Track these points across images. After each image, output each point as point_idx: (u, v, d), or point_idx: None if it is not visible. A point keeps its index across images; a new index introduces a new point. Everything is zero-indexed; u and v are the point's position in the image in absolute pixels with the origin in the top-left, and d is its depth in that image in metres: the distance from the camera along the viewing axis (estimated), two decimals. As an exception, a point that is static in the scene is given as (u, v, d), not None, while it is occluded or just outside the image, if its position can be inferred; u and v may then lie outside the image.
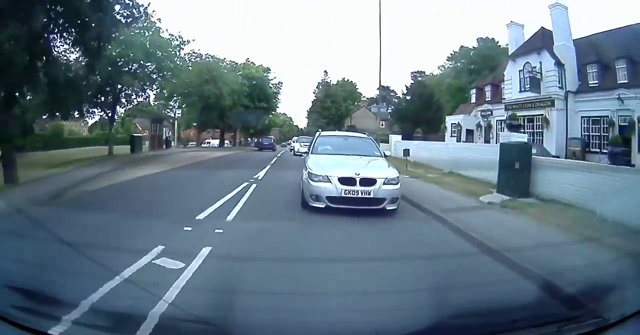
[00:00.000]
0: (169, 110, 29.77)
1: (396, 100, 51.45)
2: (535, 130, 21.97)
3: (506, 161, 7.58)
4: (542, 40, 23.03)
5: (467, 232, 5.01)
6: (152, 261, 3.69)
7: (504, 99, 23.96)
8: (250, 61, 38.84)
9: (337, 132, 12.33)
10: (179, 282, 3.21)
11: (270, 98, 37.79)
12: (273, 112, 45.06)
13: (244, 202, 7.17)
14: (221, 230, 4.98)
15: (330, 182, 6.28)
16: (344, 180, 6.26)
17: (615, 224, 5.46)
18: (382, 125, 44.97)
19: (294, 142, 32.10)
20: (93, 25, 7.90)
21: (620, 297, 2.44)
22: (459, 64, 40.17)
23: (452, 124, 28.59)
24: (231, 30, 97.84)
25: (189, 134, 55.89)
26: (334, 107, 54.88)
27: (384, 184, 6.31)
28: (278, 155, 25.33)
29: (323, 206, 6.25)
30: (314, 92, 60.56)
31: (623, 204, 5.72)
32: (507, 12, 68.46)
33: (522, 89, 22.56)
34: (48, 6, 7.27)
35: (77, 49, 8.53)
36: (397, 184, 6.50)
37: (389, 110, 51.33)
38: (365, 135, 9.24)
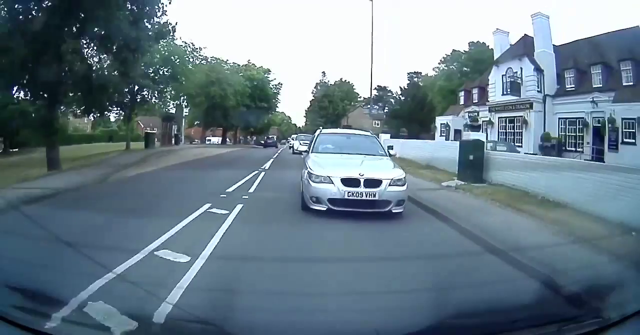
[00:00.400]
0: (174, 109, 31.78)
1: (393, 101, 53.42)
2: (515, 131, 24.02)
3: (464, 155, 9.60)
4: (524, 47, 25.06)
5: (420, 201, 7.02)
6: (207, 210, 5.79)
7: (489, 101, 26.01)
8: (251, 63, 41.02)
9: (339, 130, 11.77)
10: (227, 220, 5.33)
11: (270, 98, 39.97)
12: (273, 112, 47.14)
13: (258, 182, 9.26)
14: (247, 197, 7.09)
15: (332, 183, 5.98)
16: (347, 182, 5.97)
17: (537, 197, 7.47)
18: (377, 124, 47.06)
19: (293, 140, 31.68)
20: (131, 42, 9.90)
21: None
22: (453, 66, 42.15)
23: (441, 124, 30.52)
24: (232, 32, 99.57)
25: (190, 132, 57.76)
26: (332, 106, 56.67)
27: (389, 185, 6.04)
28: (279, 151, 27.82)
29: (324, 209, 5.96)
30: (312, 92, 62.39)
31: (547, 184, 7.74)
32: (502, 16, 70.44)
33: (504, 93, 24.58)
34: (98, 29, 9.26)
35: (115, 59, 10.42)
36: (403, 185, 6.22)
37: (385, 110, 53.41)
38: (368, 133, 9.02)
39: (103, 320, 2.32)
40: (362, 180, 5.95)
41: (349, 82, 62.16)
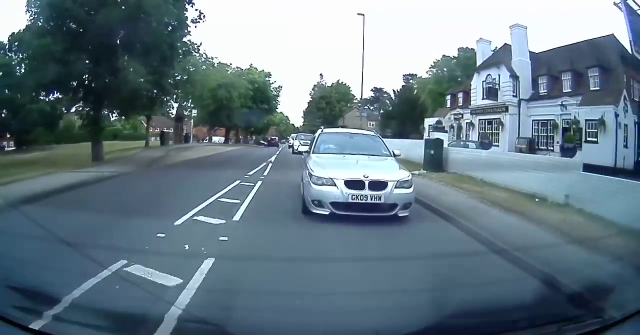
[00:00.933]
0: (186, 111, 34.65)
1: (388, 102, 56.18)
2: (492, 131, 26.72)
3: (427, 150, 12.31)
4: (502, 56, 27.82)
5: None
6: (240, 183, 8.62)
7: (470, 105, 28.74)
8: (253, 67, 43.83)
9: (340, 129, 11.66)
10: (255, 188, 8.22)
11: (270, 100, 42.85)
12: (273, 113, 50.03)
13: (269, 169, 12.03)
14: (263, 178, 9.78)
15: (335, 185, 5.80)
16: (350, 184, 5.78)
17: (477, 180, 10.18)
18: (372, 125, 49.79)
19: (292, 139, 30.89)
20: (167, 59, 12.71)
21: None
22: (442, 71, 44.90)
23: (429, 125, 33.22)
24: (234, 35, 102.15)
25: (193, 131, 60.32)
26: (329, 108, 59.23)
27: (395, 187, 5.88)
28: (280, 149, 30.66)
29: (327, 213, 5.79)
30: (310, 94, 65.02)
31: (485, 171, 10.45)
32: (492, 23, 73.32)
33: (484, 97, 27.24)
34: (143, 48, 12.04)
35: (152, 72, 13.11)
36: (410, 187, 6.07)
37: (381, 111, 56.18)
38: (371, 133, 9.02)
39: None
40: (366, 183, 5.75)
41: (345, 84, 64.64)
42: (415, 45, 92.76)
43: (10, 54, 28.15)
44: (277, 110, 50.97)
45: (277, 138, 44.96)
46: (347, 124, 51.79)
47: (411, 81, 54.25)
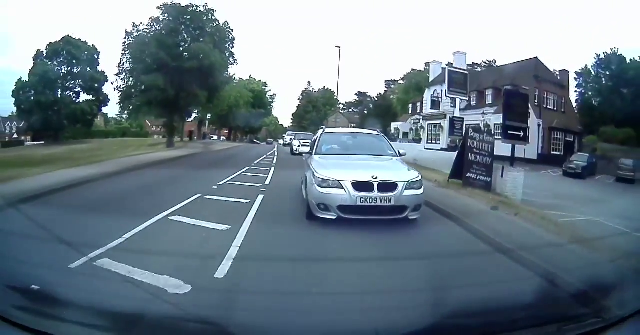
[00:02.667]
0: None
1: (372, 105, 65.58)
2: (436, 133, 36.16)
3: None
4: (443, 74, 37.31)
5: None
6: (259, 161, 17.32)
7: (422, 112, 38.27)
8: (252, 77, 53.21)
9: (343, 129, 11.69)
10: (273, 165, 15.84)
11: (266, 106, 52.10)
12: (268, 116, 59.35)
13: (276, 157, 20.70)
14: (275, 160, 18.29)
15: (343, 188, 5.57)
16: (359, 186, 5.58)
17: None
18: (353, 126, 59.16)
19: (291, 139, 29.37)
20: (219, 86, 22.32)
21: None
22: (412, 82, 54.46)
23: (394, 128, 42.80)
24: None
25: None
26: (315, 111, 68.23)
27: (405, 188, 5.68)
28: (275, 146, 39.81)
29: (334, 218, 5.61)
30: (299, 99, 74.04)
31: (418, 157, 19.60)
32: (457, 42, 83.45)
33: (431, 107, 36.74)
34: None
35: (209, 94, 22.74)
36: (420, 188, 5.89)
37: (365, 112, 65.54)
38: (376, 132, 8.65)
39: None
40: (375, 184, 5.58)
41: (330, 89, 73.75)
42: (398, 53, 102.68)
43: (46, 61, 36.14)
44: (271, 114, 60.45)
45: (272, 140, 54.73)
46: (331, 125, 61.05)
47: (392, 86, 63.68)
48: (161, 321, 2.54)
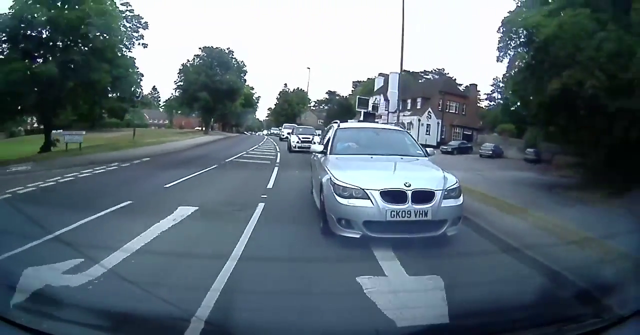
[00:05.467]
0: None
1: (335, 106, 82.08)
2: (374, 129, 53.06)
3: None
4: (384, 87, 54.51)
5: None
6: (262, 143, 33.59)
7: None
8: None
9: (361, 124, 10.72)
10: (276, 154, 22.51)
11: (253, 105, 68.04)
12: (254, 114, 75.86)
13: (266, 138, 37.92)
14: (276, 144, 33.95)
15: (369, 198, 4.72)
16: (389, 196, 4.73)
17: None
18: (321, 122, 75.88)
19: (288, 133, 28.23)
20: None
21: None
22: (367, 88, 71.42)
23: (357, 119, 59.87)
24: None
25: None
26: (290, 108, 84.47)
27: (443, 198, 4.87)
28: (265, 137, 56.07)
29: (358, 236, 4.72)
30: (276, 98, 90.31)
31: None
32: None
33: (372, 110, 53.91)
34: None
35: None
36: (459, 196, 5.10)
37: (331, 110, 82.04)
38: (399, 128, 8.04)
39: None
40: (409, 194, 4.73)
41: (303, 90, 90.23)
42: (366, 56, 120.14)
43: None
44: (256, 112, 76.87)
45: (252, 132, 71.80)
46: (303, 122, 77.26)
47: (358, 86, 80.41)
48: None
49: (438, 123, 50.32)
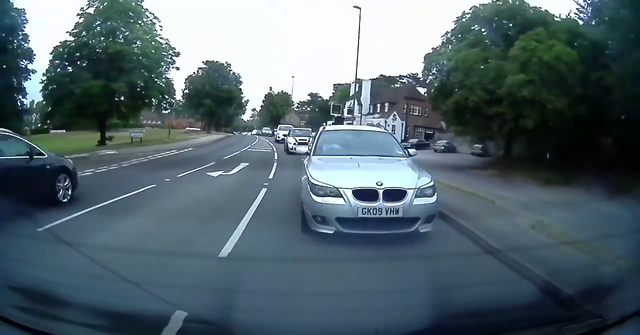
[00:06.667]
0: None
1: (317, 109, 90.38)
2: (349, 129, 61.95)
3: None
4: (359, 92, 63.68)
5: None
6: (260, 138, 43.06)
7: (344, 115, 64.51)
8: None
9: (346, 126, 11.68)
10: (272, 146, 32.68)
11: (241, 108, 76.26)
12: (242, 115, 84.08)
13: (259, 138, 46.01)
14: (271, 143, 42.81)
15: (342, 196, 5.07)
16: (361, 194, 5.08)
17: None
18: (303, 123, 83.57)
19: (285, 135, 29.38)
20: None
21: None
22: (345, 92, 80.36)
23: (329, 124, 68.85)
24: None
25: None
26: (275, 110, 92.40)
27: (416, 196, 5.17)
28: (257, 136, 64.29)
29: (331, 232, 5.11)
30: (262, 100, 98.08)
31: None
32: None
33: (347, 113, 62.85)
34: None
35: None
36: (433, 195, 5.37)
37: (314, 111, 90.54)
38: (382, 129, 8.38)
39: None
40: (380, 192, 5.08)
41: (287, 93, 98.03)
42: (347, 59, 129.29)
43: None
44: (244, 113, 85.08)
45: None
46: (287, 122, 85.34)
47: (338, 89, 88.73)
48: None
49: (402, 124, 59.73)
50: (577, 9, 22.47)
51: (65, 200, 7.48)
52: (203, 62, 56.91)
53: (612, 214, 7.00)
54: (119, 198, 8.12)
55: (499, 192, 10.34)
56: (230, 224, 6.03)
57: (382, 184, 5.15)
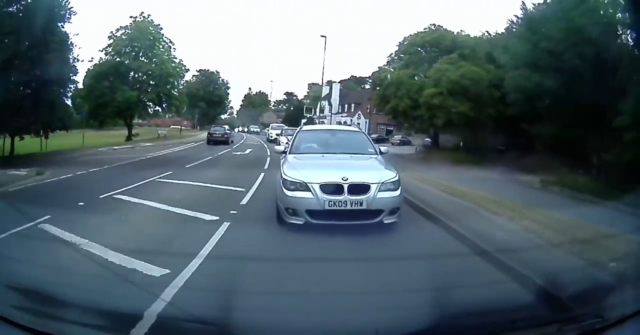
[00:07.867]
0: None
1: (292, 108, 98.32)
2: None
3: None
4: (329, 93, 74.21)
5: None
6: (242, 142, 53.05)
7: (316, 115, 74.85)
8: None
9: (321, 126, 12.04)
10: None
11: (225, 107, 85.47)
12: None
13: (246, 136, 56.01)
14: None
15: (310, 190, 5.54)
16: (327, 188, 5.55)
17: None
18: (280, 120, 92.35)
19: (277, 134, 30.53)
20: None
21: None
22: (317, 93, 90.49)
23: (302, 123, 78.90)
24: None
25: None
26: (253, 109, 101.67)
27: (379, 190, 5.62)
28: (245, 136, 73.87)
29: (301, 222, 5.57)
30: (242, 100, 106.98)
31: None
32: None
33: (320, 113, 73.35)
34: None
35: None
36: (397, 189, 5.81)
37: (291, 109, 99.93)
38: (356, 129, 8.99)
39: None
40: (345, 186, 5.53)
41: (265, 93, 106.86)
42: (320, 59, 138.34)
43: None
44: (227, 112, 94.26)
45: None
46: (264, 120, 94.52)
47: (313, 88, 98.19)
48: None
49: (366, 122, 70.44)
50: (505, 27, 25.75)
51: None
52: (197, 70, 66.96)
53: (475, 175, 13.68)
54: (205, 159, 18.31)
55: (414, 166, 16.42)
56: (257, 171, 12.97)
57: (347, 179, 5.57)
